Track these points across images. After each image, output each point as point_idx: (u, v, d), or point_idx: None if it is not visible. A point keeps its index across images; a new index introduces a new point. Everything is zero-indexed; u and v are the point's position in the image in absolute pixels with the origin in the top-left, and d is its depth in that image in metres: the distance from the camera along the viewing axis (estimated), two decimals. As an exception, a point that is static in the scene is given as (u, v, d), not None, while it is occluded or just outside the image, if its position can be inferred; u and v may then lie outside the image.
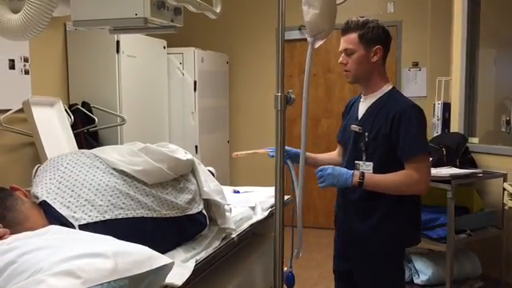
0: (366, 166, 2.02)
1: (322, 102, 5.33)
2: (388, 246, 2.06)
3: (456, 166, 3.34)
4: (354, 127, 2.08)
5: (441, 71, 4.46)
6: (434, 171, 3.17)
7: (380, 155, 2.01)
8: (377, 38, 2.00)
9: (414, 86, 4.98)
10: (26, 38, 1.57)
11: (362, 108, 2.11)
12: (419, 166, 1.95)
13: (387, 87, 2.08)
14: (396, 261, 2.12)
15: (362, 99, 2.14)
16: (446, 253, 3.06)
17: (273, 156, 1.69)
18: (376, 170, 2.01)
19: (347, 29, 2.03)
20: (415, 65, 4.99)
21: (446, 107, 4.04)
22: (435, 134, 4.00)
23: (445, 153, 3.34)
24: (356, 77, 2.06)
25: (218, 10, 1.78)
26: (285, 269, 1.97)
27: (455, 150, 3.40)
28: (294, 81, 5.29)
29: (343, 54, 2.05)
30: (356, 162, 2.05)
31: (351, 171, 1.98)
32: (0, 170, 3.20)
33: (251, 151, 2.24)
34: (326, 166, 1.97)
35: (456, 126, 3.87)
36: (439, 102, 4.11)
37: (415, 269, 3.33)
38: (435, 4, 4.79)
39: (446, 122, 4.03)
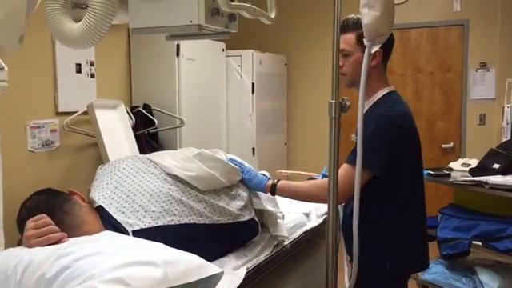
0: None
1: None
2: (371, 272, 1.77)
3: (526, 174, 3.14)
4: (353, 136, 1.97)
5: (511, 72, 4.22)
6: (502, 179, 2.99)
7: None
8: None
9: (481, 87, 4.74)
10: (86, 46, 1.62)
11: None
12: (340, 177, 1.59)
13: (383, 91, 1.88)
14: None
15: None
16: (514, 266, 2.89)
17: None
18: None
19: (344, 28, 1.83)
20: (483, 65, 4.73)
21: (517, 111, 3.82)
22: (504, 139, 3.78)
23: (514, 160, 3.15)
24: (351, 81, 1.87)
25: (273, 15, 1.75)
26: None
27: (525, 157, 3.19)
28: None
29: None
30: None
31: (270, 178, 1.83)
32: (66, 169, 3.35)
33: (296, 172, 2.28)
34: (250, 168, 1.83)
35: (527, 130, 3.64)
36: (509, 106, 3.89)
37: (480, 281, 3.16)
38: (505, 1, 4.53)
39: (515, 126, 3.81)
